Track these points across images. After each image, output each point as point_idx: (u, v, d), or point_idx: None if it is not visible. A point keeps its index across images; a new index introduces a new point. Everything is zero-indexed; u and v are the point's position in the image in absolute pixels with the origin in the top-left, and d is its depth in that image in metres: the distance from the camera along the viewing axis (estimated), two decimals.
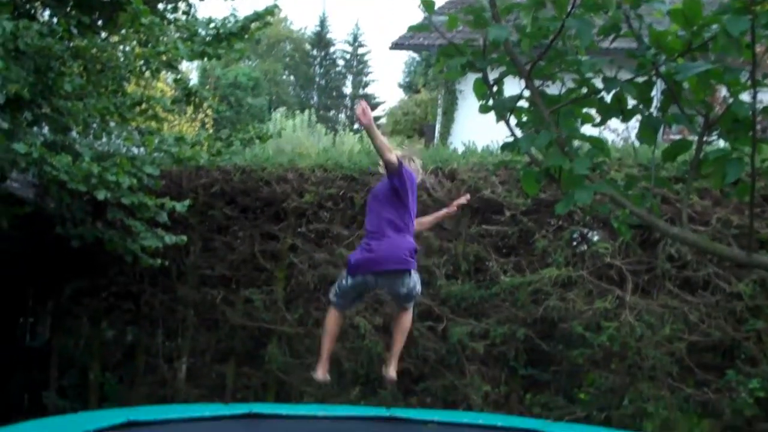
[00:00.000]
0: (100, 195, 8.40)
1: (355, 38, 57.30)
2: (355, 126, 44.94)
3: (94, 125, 9.26)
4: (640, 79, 3.96)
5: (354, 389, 9.12)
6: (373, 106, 53.71)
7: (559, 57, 3.98)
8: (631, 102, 4.10)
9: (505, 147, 4.23)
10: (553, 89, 4.18)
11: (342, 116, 55.57)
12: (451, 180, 9.16)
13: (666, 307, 8.29)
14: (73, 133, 9.45)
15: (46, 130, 9.29)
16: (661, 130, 4.30)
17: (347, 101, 57.27)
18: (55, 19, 9.09)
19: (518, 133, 4.19)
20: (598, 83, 3.98)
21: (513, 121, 4.21)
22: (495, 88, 4.15)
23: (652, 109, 4.06)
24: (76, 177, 8.23)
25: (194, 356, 10.17)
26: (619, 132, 11.94)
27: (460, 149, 10.01)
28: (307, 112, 29.50)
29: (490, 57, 4.04)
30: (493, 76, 4.16)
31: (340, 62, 58.66)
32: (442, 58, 4.16)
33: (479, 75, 4.17)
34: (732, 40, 3.50)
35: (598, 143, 4.17)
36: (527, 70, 4.02)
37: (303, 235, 9.68)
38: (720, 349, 8.28)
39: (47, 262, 10.61)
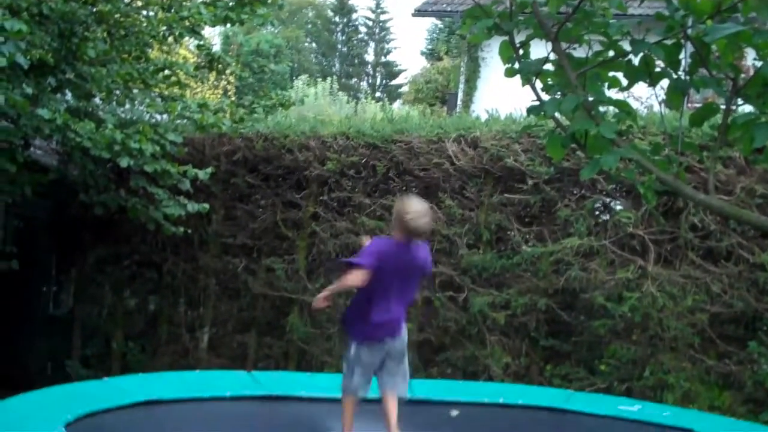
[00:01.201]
0: (123, 162, 8.43)
1: (378, 5, 56.98)
2: (377, 94, 44.70)
3: (117, 92, 9.28)
4: (669, 42, 3.91)
5: None
6: (395, 74, 53.41)
7: (587, 19, 3.93)
8: (658, 67, 4.06)
9: (531, 111, 4.19)
10: (579, 52, 4.13)
11: (364, 84, 55.31)
12: (473, 148, 9.12)
13: (688, 278, 8.23)
14: (97, 100, 9.48)
15: (69, 96, 9.31)
16: (685, 99, 4.25)
17: (369, 69, 56.98)
18: None
19: (544, 96, 4.15)
20: (626, 46, 3.93)
21: (539, 84, 4.17)
22: (521, 51, 4.11)
23: (680, 73, 4.01)
24: (99, 144, 8.26)
25: (216, 325, 10.22)
26: (642, 100, 11.83)
27: (483, 117, 9.95)
28: (329, 79, 29.40)
29: (517, 19, 4.00)
30: (519, 38, 4.12)
31: (362, 29, 58.35)
32: (468, 20, 4.12)
33: (504, 39, 4.13)
34: (763, 1, 3.45)
35: (625, 107, 4.12)
36: (554, 33, 3.97)
37: (325, 203, 9.67)
38: (742, 320, 8.23)
39: (70, 229, 10.68)
